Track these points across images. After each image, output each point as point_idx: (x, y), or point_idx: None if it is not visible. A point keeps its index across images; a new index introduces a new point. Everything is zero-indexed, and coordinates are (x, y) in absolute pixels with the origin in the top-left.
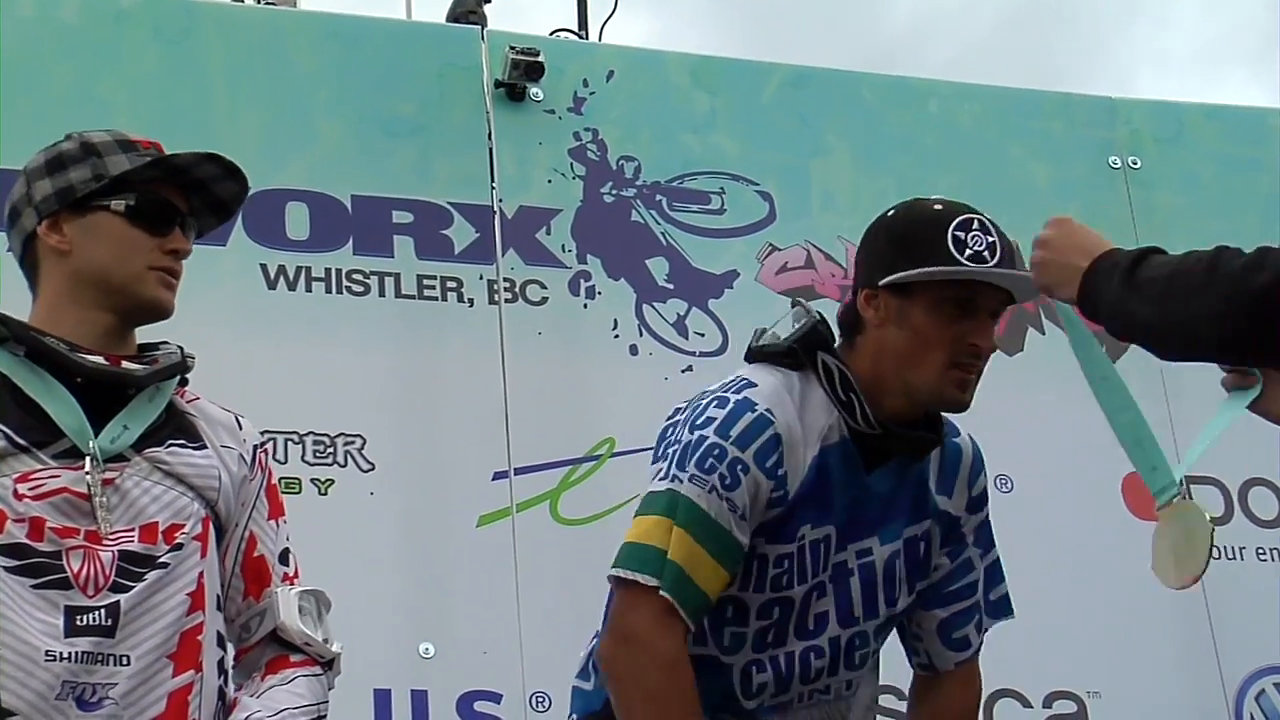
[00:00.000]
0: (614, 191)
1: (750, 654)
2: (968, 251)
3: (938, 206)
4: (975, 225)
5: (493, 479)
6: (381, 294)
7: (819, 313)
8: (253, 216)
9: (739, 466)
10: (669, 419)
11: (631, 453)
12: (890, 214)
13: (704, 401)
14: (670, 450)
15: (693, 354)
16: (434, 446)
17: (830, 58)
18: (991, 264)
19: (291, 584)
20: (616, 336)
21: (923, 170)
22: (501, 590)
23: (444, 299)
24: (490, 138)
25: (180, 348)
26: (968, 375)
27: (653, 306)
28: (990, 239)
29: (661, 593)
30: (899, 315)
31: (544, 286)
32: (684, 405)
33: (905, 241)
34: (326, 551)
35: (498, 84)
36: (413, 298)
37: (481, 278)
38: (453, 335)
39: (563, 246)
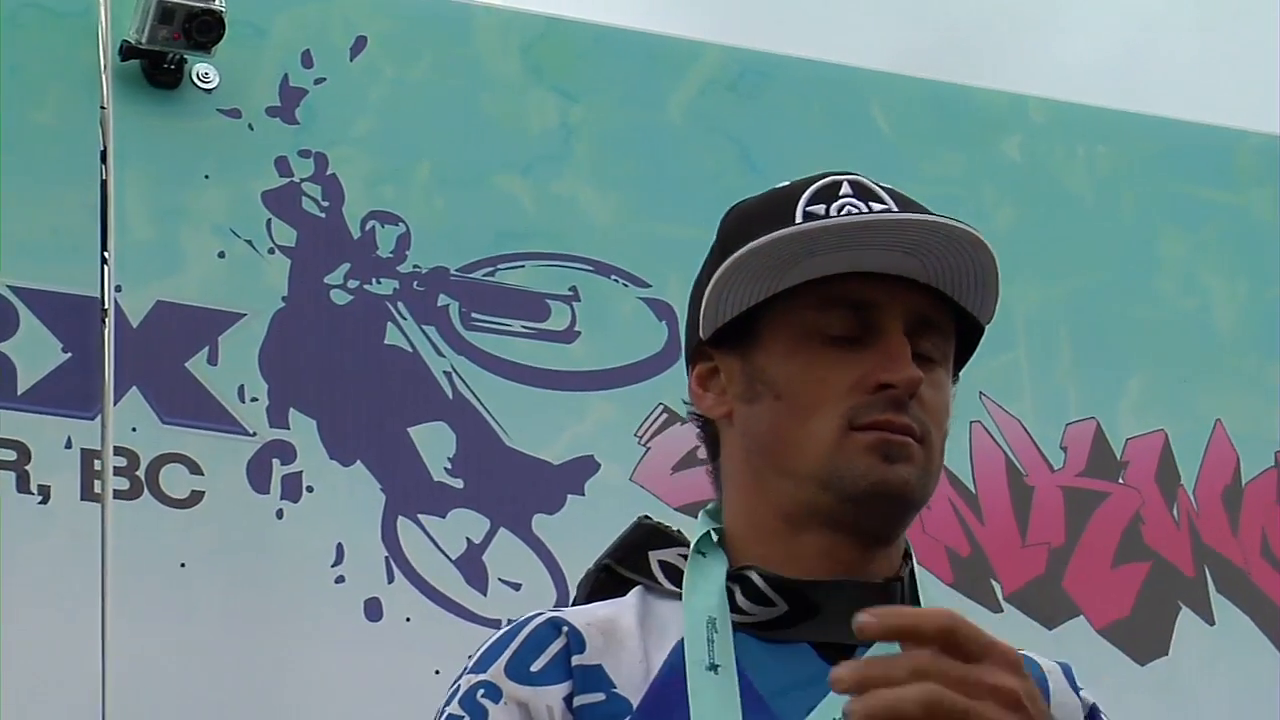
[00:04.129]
0: (353, 283)
1: None
2: (825, 210)
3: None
4: (846, 189)
5: None
6: None
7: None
8: None
9: (479, 693)
10: None
11: None
12: None
13: None
14: None
15: (497, 622)
16: None
17: (785, 42)
18: (868, 216)
19: None
20: (340, 581)
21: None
22: None
23: None
24: (104, 158)
25: None
26: (890, 436)
27: (417, 523)
28: (870, 202)
29: None
30: (748, 380)
31: (198, 470)
32: None
33: (728, 255)
34: None
35: (126, 50)
36: None
37: (71, 445)
38: (7, 560)
39: (241, 390)
